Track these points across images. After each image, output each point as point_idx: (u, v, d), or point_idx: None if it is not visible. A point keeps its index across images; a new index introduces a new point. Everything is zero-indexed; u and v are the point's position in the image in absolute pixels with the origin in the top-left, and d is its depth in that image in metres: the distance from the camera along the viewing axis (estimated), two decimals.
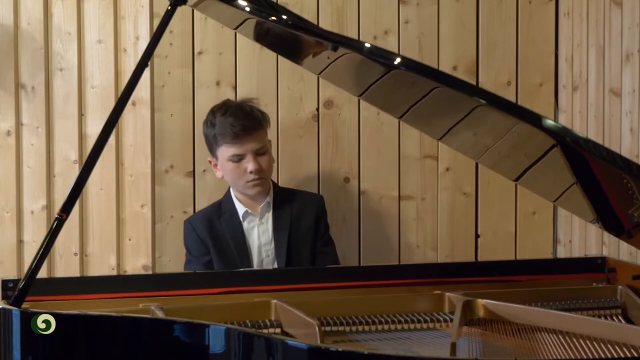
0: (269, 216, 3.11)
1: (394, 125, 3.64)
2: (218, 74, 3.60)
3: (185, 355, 2.10)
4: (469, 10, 3.67)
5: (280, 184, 3.42)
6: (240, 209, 3.10)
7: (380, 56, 2.12)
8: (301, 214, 3.13)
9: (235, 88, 3.60)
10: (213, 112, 3.09)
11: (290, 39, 2.33)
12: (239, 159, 3.02)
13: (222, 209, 3.13)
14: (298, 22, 2.31)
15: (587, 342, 2.27)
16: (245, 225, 3.10)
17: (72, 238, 3.50)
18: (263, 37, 2.52)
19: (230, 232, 3.08)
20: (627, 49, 3.15)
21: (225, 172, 3.07)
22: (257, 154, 3.02)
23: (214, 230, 3.09)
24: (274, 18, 2.24)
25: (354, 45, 2.23)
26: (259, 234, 3.10)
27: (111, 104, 3.15)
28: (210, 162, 3.15)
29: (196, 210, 3.58)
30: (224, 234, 3.08)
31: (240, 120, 3.00)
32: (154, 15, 3.51)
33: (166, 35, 2.86)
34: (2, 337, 2.15)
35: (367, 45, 2.14)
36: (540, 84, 3.71)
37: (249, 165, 3.01)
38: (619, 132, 3.21)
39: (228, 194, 3.15)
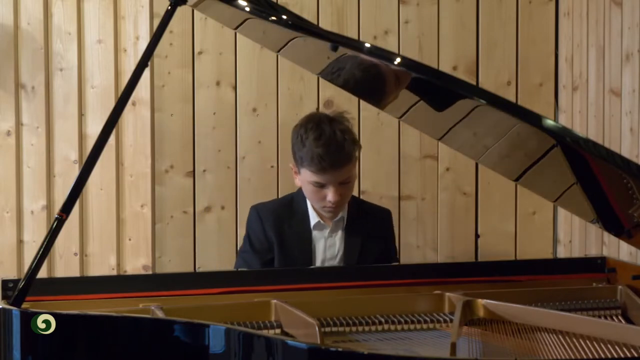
0: (340, 232, 2.97)
1: (394, 125, 3.65)
2: (218, 74, 3.60)
3: (185, 355, 2.10)
4: (469, 10, 3.67)
5: (281, 186, 3.41)
6: (313, 217, 2.95)
7: (380, 56, 2.12)
8: (372, 235, 2.99)
9: (235, 88, 3.60)
10: (306, 129, 2.86)
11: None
12: (320, 185, 2.86)
13: (294, 208, 2.97)
14: (298, 22, 2.31)
15: (587, 342, 2.27)
16: (314, 234, 2.96)
17: (72, 238, 3.50)
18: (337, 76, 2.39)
19: (299, 238, 2.95)
20: (627, 49, 3.15)
21: (305, 190, 2.92)
22: (340, 184, 2.86)
23: (282, 229, 2.94)
24: (273, 18, 2.24)
25: (354, 45, 2.23)
26: (325, 248, 2.97)
27: (111, 104, 3.15)
28: (292, 167, 2.97)
29: (196, 210, 3.59)
30: (291, 237, 2.94)
31: (330, 155, 2.79)
32: (154, 15, 3.51)
33: (166, 35, 2.86)
34: (2, 337, 2.15)
35: (367, 45, 2.14)
36: (540, 84, 3.71)
37: (329, 195, 2.84)
38: (619, 132, 3.21)
39: (302, 195, 2.97)
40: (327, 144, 2.81)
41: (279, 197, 3.44)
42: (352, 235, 2.96)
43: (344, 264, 2.95)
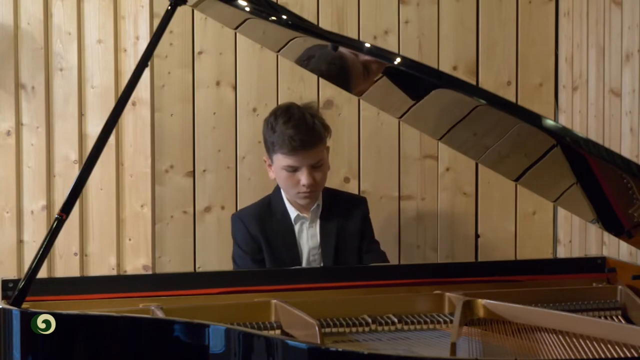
0: (318, 221, 3.04)
1: (394, 125, 3.65)
2: (218, 74, 3.60)
3: (185, 355, 2.10)
4: (469, 10, 3.67)
5: None
6: (292, 212, 3.02)
7: (380, 56, 2.12)
8: (347, 219, 3.06)
9: (235, 88, 3.60)
10: (276, 115, 2.97)
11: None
12: (293, 169, 2.93)
13: (273, 209, 3.04)
14: (298, 22, 2.31)
15: (587, 342, 2.27)
16: (296, 227, 3.03)
17: (72, 238, 3.50)
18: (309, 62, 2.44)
19: (283, 234, 3.02)
20: (627, 49, 3.15)
21: (279, 178, 2.99)
22: (313, 167, 2.94)
23: (266, 229, 3.01)
24: (273, 18, 2.24)
25: (354, 45, 2.23)
26: (308, 238, 3.04)
27: (111, 104, 3.15)
28: (265, 161, 3.05)
29: (196, 210, 3.59)
30: (276, 234, 3.01)
31: (300, 135, 2.90)
32: (154, 15, 3.51)
33: (166, 35, 2.86)
34: (2, 337, 2.15)
35: (367, 45, 2.14)
36: (540, 84, 3.71)
37: (303, 178, 2.92)
38: (619, 132, 3.21)
39: (279, 194, 3.05)
40: (297, 125, 2.92)
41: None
42: (328, 219, 3.04)
43: (322, 248, 3.02)
